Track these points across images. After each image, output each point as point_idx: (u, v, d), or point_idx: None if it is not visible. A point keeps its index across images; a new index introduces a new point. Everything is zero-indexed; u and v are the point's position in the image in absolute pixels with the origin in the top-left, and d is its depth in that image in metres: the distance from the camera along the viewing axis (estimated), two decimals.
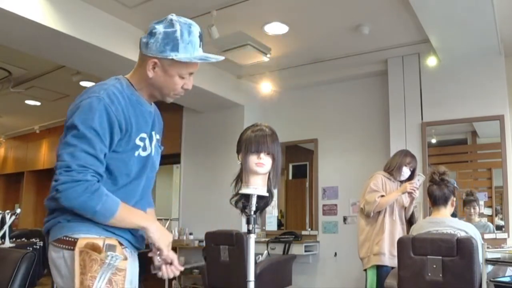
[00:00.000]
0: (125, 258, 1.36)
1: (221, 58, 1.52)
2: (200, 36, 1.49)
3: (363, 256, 3.39)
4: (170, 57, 1.42)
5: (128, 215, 1.41)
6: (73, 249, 1.33)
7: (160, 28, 1.43)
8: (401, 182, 3.57)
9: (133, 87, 1.49)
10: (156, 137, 1.60)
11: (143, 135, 1.49)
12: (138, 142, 1.47)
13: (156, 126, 1.61)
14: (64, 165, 1.31)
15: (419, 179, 3.38)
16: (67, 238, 1.36)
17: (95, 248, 1.32)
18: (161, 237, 1.44)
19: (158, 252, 1.46)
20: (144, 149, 1.50)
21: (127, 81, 1.49)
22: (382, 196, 3.32)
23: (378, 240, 3.30)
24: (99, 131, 1.35)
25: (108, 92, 1.40)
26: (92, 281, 1.28)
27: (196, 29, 1.47)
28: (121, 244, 1.42)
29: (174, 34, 1.42)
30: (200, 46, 1.48)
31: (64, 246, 1.36)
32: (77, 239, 1.35)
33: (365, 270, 3.40)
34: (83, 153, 1.33)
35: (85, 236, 1.36)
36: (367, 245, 3.37)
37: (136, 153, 1.47)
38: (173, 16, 1.47)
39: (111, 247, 1.35)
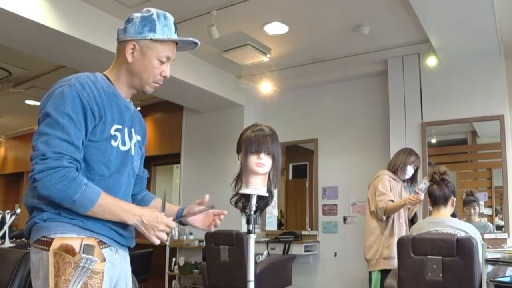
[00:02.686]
0: (103, 260, 1.32)
1: (197, 40, 1.57)
2: (175, 25, 1.54)
3: (370, 257, 3.37)
4: (149, 37, 1.47)
5: (110, 206, 1.36)
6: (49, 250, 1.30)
7: (137, 14, 1.50)
8: (404, 181, 3.57)
9: (110, 82, 1.49)
10: (137, 137, 1.58)
11: (119, 126, 1.47)
12: (113, 132, 1.45)
13: (137, 126, 1.60)
14: (40, 154, 1.29)
15: (425, 183, 3.35)
16: (45, 239, 1.33)
17: (68, 250, 1.27)
18: (146, 231, 1.39)
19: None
20: (124, 143, 1.49)
21: (103, 76, 1.50)
22: (391, 200, 3.32)
23: (389, 244, 3.29)
24: (72, 117, 1.34)
25: (80, 80, 1.40)
26: (66, 284, 1.24)
27: (171, 17, 1.54)
28: (103, 243, 1.39)
29: (151, 16, 1.49)
30: (175, 33, 1.53)
31: (42, 247, 1.33)
32: (53, 239, 1.32)
33: (370, 271, 3.39)
34: (57, 140, 1.31)
35: (62, 236, 1.32)
36: (375, 247, 3.35)
37: (114, 144, 1.45)
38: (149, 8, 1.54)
39: (88, 248, 1.31)
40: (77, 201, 1.30)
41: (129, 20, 1.51)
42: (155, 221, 1.38)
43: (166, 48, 1.51)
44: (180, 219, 1.62)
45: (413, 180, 3.61)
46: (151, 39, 1.48)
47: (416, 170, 3.58)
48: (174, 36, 1.52)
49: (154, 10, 1.51)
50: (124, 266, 1.51)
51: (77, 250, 1.29)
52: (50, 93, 1.39)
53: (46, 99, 1.39)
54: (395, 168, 3.50)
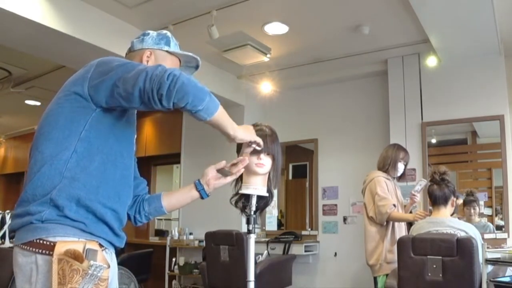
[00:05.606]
0: (108, 266, 1.25)
1: (199, 63, 1.71)
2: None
3: (373, 263, 3.31)
4: (165, 49, 1.59)
5: (222, 109, 1.41)
6: (50, 254, 1.21)
7: (152, 31, 1.64)
8: (394, 178, 3.52)
9: None
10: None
11: None
12: None
13: None
14: (143, 81, 1.25)
15: (421, 184, 3.36)
16: (42, 242, 1.23)
17: (77, 257, 1.19)
18: (245, 137, 1.49)
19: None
20: None
21: None
22: (394, 205, 3.27)
23: (392, 249, 3.24)
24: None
25: None
26: None
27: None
28: (101, 246, 1.32)
29: (166, 34, 1.64)
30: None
31: (37, 250, 1.23)
32: (55, 243, 1.22)
33: (375, 277, 3.35)
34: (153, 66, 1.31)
35: (63, 240, 1.23)
36: (378, 252, 3.29)
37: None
38: None
39: (92, 253, 1.24)
40: (208, 101, 1.33)
41: (145, 34, 1.62)
42: (249, 128, 1.53)
43: (175, 63, 1.63)
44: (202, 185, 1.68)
45: (402, 176, 3.53)
46: (167, 51, 1.60)
47: (405, 166, 3.49)
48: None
49: (166, 31, 1.67)
50: (116, 267, 1.49)
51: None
52: (85, 70, 1.38)
53: (85, 73, 1.38)
54: (385, 168, 3.42)
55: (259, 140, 1.53)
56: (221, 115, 1.40)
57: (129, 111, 1.47)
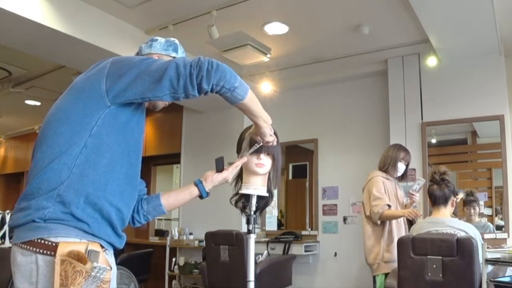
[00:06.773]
0: (111, 268, 1.24)
1: None
2: None
3: (371, 262, 3.32)
4: (172, 55, 1.60)
5: (252, 94, 1.44)
6: (51, 255, 1.20)
7: (161, 38, 1.66)
8: (398, 179, 3.53)
9: None
10: None
11: None
12: None
13: None
14: (174, 69, 1.30)
15: (419, 183, 3.36)
16: (44, 242, 1.22)
17: (80, 258, 1.18)
18: (269, 121, 1.61)
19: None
20: None
21: None
22: (388, 205, 3.28)
23: (389, 248, 3.25)
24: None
25: None
26: None
27: None
28: (102, 247, 1.32)
29: (174, 42, 1.67)
30: None
31: (38, 250, 1.22)
32: (57, 243, 1.21)
33: (374, 275, 3.36)
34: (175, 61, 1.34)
35: (66, 241, 1.22)
36: (375, 251, 3.30)
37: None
38: None
39: (94, 254, 1.22)
40: (241, 80, 1.37)
41: (153, 40, 1.65)
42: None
43: None
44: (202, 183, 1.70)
45: (404, 176, 3.54)
46: (174, 57, 1.58)
47: (407, 166, 3.50)
48: None
49: (174, 39, 1.70)
50: (115, 268, 1.48)
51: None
52: (100, 67, 1.41)
53: (100, 70, 1.40)
54: (385, 167, 3.43)
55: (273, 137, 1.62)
56: (253, 95, 1.44)
57: (141, 111, 1.46)
